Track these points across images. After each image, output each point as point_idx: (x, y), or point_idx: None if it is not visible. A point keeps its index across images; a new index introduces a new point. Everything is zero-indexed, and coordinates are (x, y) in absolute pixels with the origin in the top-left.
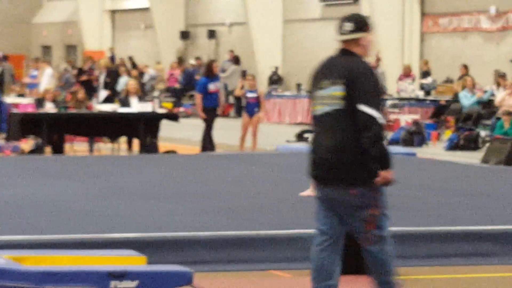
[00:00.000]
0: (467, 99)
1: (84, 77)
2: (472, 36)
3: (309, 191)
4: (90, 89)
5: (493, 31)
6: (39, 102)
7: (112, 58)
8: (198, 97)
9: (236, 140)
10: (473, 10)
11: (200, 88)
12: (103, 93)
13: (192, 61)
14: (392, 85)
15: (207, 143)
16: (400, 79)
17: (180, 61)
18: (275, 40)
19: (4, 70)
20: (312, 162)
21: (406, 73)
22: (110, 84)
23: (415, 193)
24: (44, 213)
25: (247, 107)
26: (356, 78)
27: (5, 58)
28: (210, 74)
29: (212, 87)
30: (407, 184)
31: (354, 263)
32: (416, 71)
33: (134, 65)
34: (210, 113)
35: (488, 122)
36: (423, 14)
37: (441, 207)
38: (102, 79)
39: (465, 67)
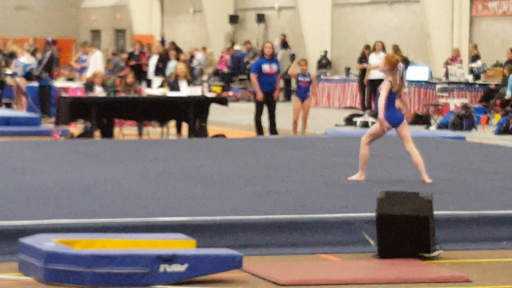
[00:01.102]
0: (511, 83)
1: (132, 62)
2: None
3: (357, 176)
4: (140, 74)
5: None
6: (88, 86)
7: (162, 43)
8: (253, 77)
9: (285, 124)
10: None
11: (254, 68)
12: (156, 81)
13: (237, 47)
14: (441, 69)
15: (257, 127)
16: (448, 63)
17: (233, 45)
18: (324, 24)
19: (52, 54)
20: None
21: (454, 57)
22: (162, 69)
23: (465, 177)
24: (94, 197)
25: (298, 91)
26: None
27: (54, 42)
28: (264, 55)
29: (266, 68)
30: (456, 168)
31: (389, 248)
32: (465, 55)
33: (178, 50)
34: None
35: None
36: None
37: (491, 190)
38: (152, 63)
39: None
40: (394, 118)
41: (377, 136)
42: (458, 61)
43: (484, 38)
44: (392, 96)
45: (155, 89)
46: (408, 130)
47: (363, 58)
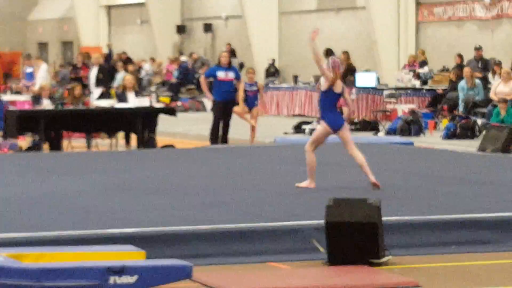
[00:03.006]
0: (462, 92)
1: (72, 75)
2: (467, 25)
3: (306, 183)
4: (82, 86)
5: (488, 19)
6: (36, 99)
7: (110, 54)
8: (202, 79)
9: (235, 133)
10: None
11: (207, 73)
12: (96, 91)
13: (183, 58)
14: (389, 75)
15: (212, 137)
16: (405, 68)
17: (180, 55)
18: (271, 32)
19: None
20: None
21: (411, 63)
22: (104, 80)
23: (413, 182)
24: (43, 210)
25: (246, 100)
26: None
27: None
28: (221, 63)
29: (221, 74)
30: (405, 173)
31: (339, 255)
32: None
33: (129, 60)
34: (218, 107)
35: (484, 110)
36: (418, 4)
37: (439, 195)
38: (93, 75)
39: (460, 56)
40: (334, 123)
41: (320, 142)
42: (417, 67)
43: (430, 43)
44: (332, 100)
45: (95, 100)
46: (349, 133)
47: None
